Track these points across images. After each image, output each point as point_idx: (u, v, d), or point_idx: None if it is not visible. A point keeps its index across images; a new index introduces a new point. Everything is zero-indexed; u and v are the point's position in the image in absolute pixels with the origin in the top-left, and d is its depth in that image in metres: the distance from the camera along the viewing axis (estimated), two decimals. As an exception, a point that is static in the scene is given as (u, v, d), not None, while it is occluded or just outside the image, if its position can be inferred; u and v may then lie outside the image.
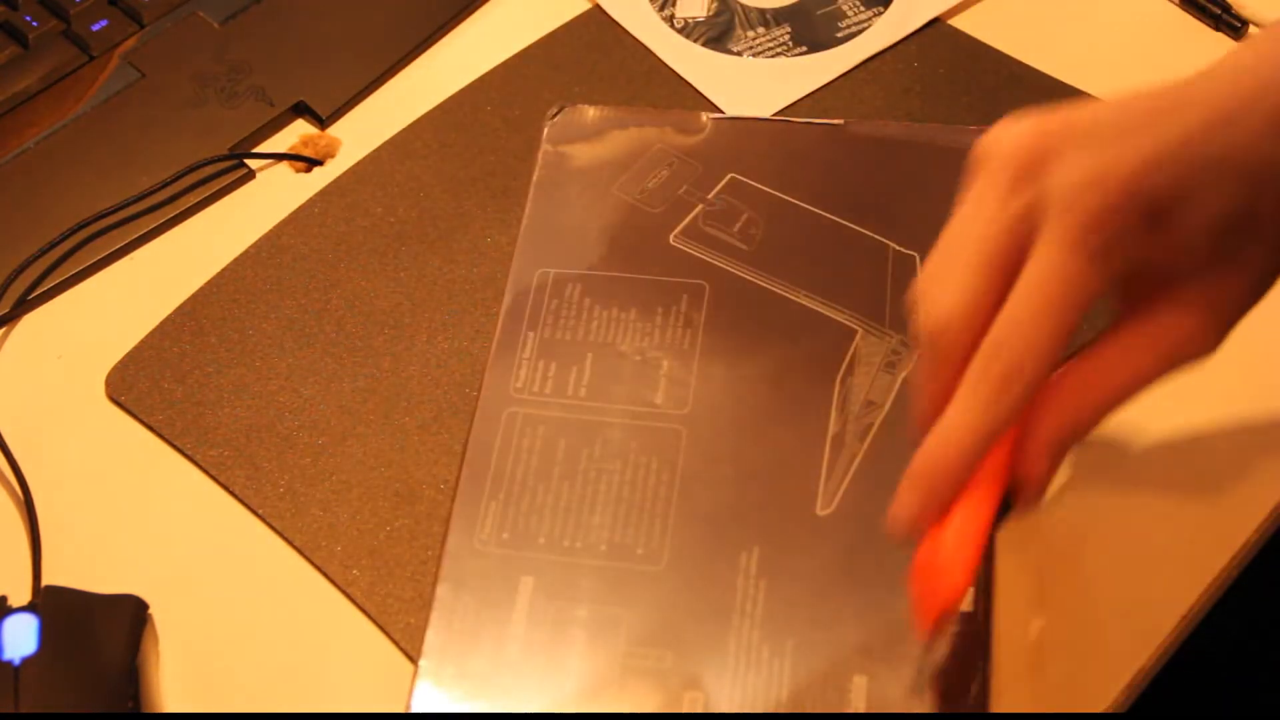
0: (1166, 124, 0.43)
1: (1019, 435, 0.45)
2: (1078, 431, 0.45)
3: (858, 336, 0.57)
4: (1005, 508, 0.45)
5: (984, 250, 0.44)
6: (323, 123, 0.68)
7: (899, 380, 0.55)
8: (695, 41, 0.69)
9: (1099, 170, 0.42)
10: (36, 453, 0.59)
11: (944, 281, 0.44)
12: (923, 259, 0.58)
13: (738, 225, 0.61)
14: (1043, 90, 0.66)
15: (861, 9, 0.70)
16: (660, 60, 0.69)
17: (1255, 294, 0.45)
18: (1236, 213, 0.43)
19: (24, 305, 0.63)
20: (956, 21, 0.69)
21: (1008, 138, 0.44)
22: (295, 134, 0.68)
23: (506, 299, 0.59)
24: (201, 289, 0.63)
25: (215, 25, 0.71)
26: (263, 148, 0.68)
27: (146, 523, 0.57)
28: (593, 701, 0.50)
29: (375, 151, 0.67)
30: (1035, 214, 0.43)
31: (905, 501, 0.45)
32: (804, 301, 0.58)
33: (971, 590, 0.50)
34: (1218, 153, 0.43)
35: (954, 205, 0.46)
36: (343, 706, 0.52)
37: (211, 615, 0.55)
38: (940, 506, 0.44)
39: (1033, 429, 0.44)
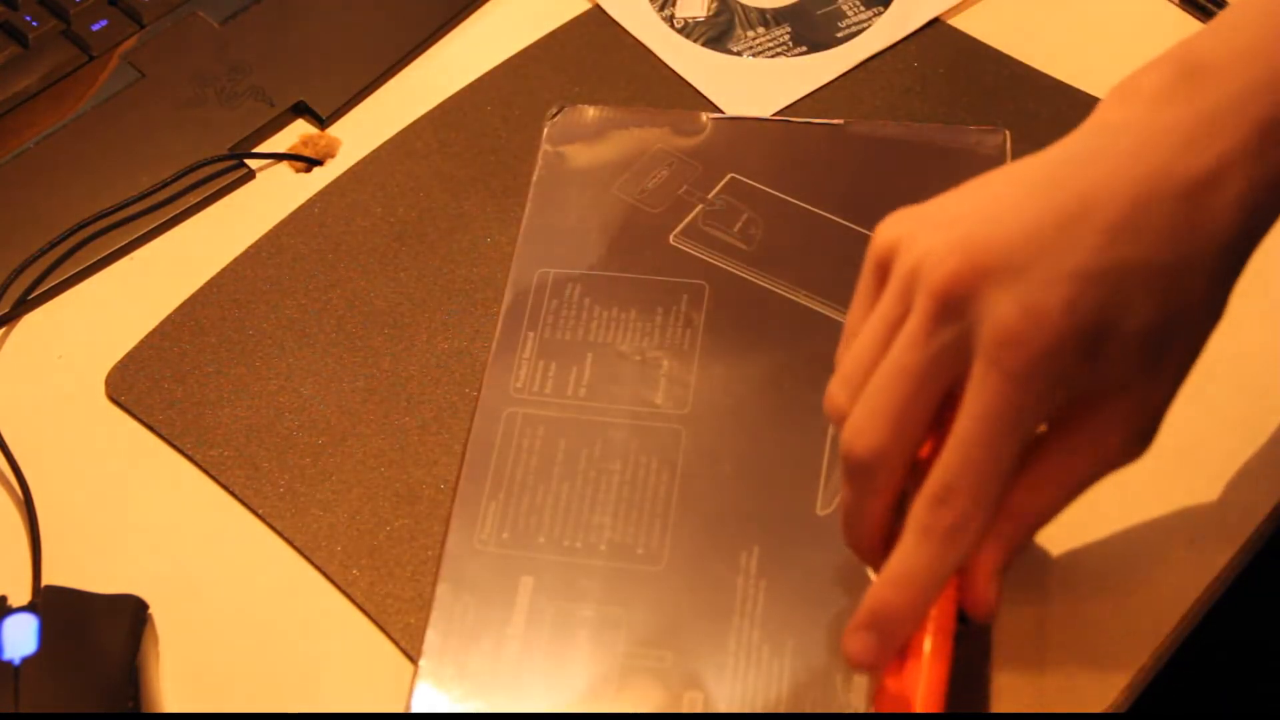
0: (1082, 232, 0.42)
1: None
2: (1018, 551, 0.45)
3: (858, 336, 0.57)
4: (960, 617, 0.46)
5: (911, 384, 0.43)
6: (323, 123, 0.68)
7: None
8: (695, 41, 0.69)
9: (1033, 306, 0.42)
10: (36, 453, 0.59)
11: (870, 412, 0.44)
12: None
13: (738, 225, 0.61)
14: (1043, 90, 0.66)
15: (861, 9, 0.69)
16: (660, 60, 0.69)
17: (1178, 386, 0.45)
18: (1163, 319, 0.43)
19: (24, 305, 0.63)
20: (956, 21, 0.69)
21: (926, 255, 0.43)
22: (295, 134, 0.68)
23: (506, 299, 0.59)
24: (201, 289, 0.63)
25: (215, 25, 0.71)
26: (263, 148, 0.68)
27: (146, 523, 0.57)
28: (593, 701, 0.50)
29: (375, 151, 0.67)
30: (964, 349, 0.43)
31: (862, 644, 0.45)
32: (804, 301, 0.58)
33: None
34: (1139, 255, 0.42)
35: (857, 297, 0.46)
36: (343, 706, 0.52)
37: (211, 615, 0.55)
38: (898, 646, 0.45)
39: (976, 559, 0.45)
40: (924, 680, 0.44)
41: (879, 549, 0.46)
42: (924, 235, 0.44)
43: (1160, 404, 0.45)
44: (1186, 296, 0.43)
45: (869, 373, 0.45)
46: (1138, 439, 0.45)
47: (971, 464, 0.43)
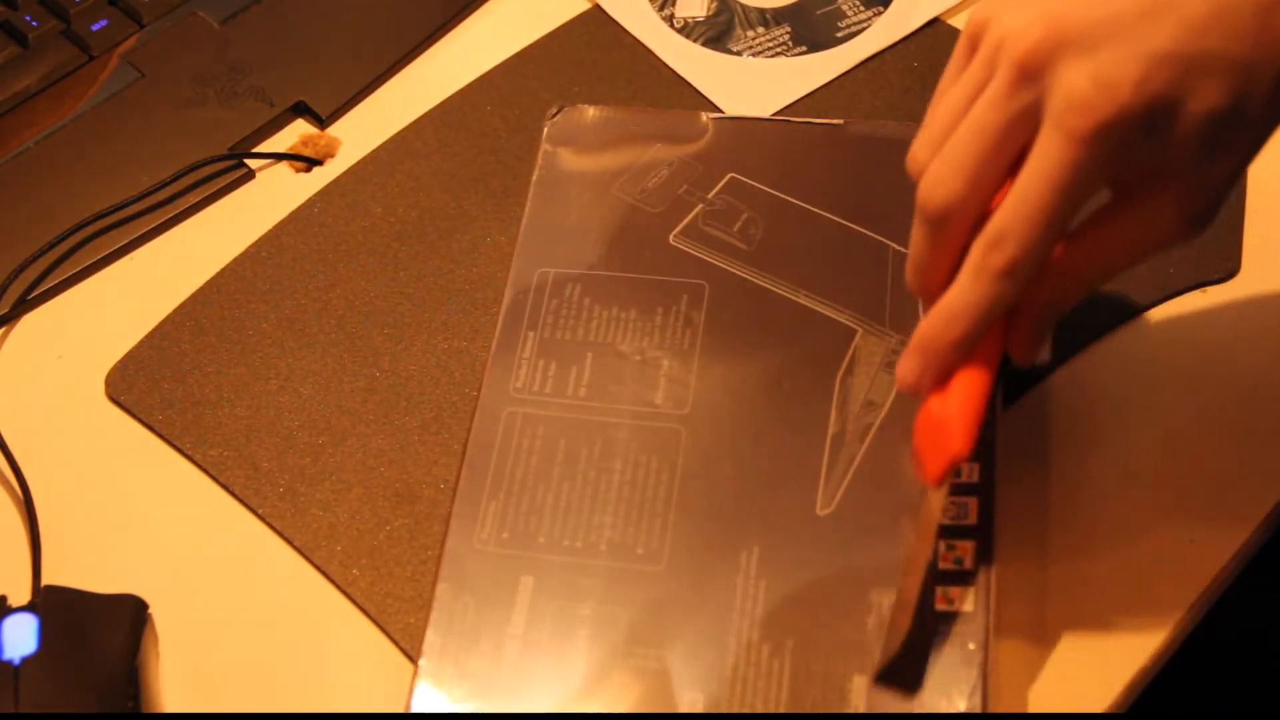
0: (1162, 21, 0.44)
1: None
2: (1065, 307, 0.49)
3: (858, 336, 0.57)
4: (1004, 362, 0.50)
5: (988, 142, 0.47)
6: (323, 123, 0.68)
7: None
8: (695, 41, 0.69)
9: (1104, 78, 0.44)
10: (36, 453, 0.59)
11: (948, 165, 0.47)
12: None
13: (737, 225, 0.61)
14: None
15: (861, 9, 0.70)
16: (660, 60, 0.69)
17: (1238, 176, 0.47)
18: (1228, 108, 0.45)
19: (24, 305, 0.63)
20: (956, 21, 0.69)
21: (1012, 27, 0.46)
22: (295, 134, 0.68)
23: (506, 299, 0.59)
24: (201, 289, 0.63)
25: (215, 25, 0.71)
26: (263, 148, 0.68)
27: (146, 523, 0.57)
28: (592, 701, 0.50)
29: (375, 151, 0.67)
30: (1038, 112, 0.46)
31: (910, 366, 0.49)
32: (804, 301, 0.58)
33: (972, 591, 0.51)
34: (1214, 47, 0.44)
35: (949, 68, 0.50)
36: (343, 706, 0.52)
37: (211, 615, 0.55)
38: (943, 374, 0.48)
39: (1024, 306, 0.48)
40: (961, 406, 0.47)
41: (939, 293, 0.49)
42: (1013, 12, 0.47)
43: (1217, 190, 0.47)
44: (1252, 92, 0.45)
45: (950, 132, 0.48)
46: (1192, 220, 0.47)
47: (1026, 214, 0.46)
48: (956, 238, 0.48)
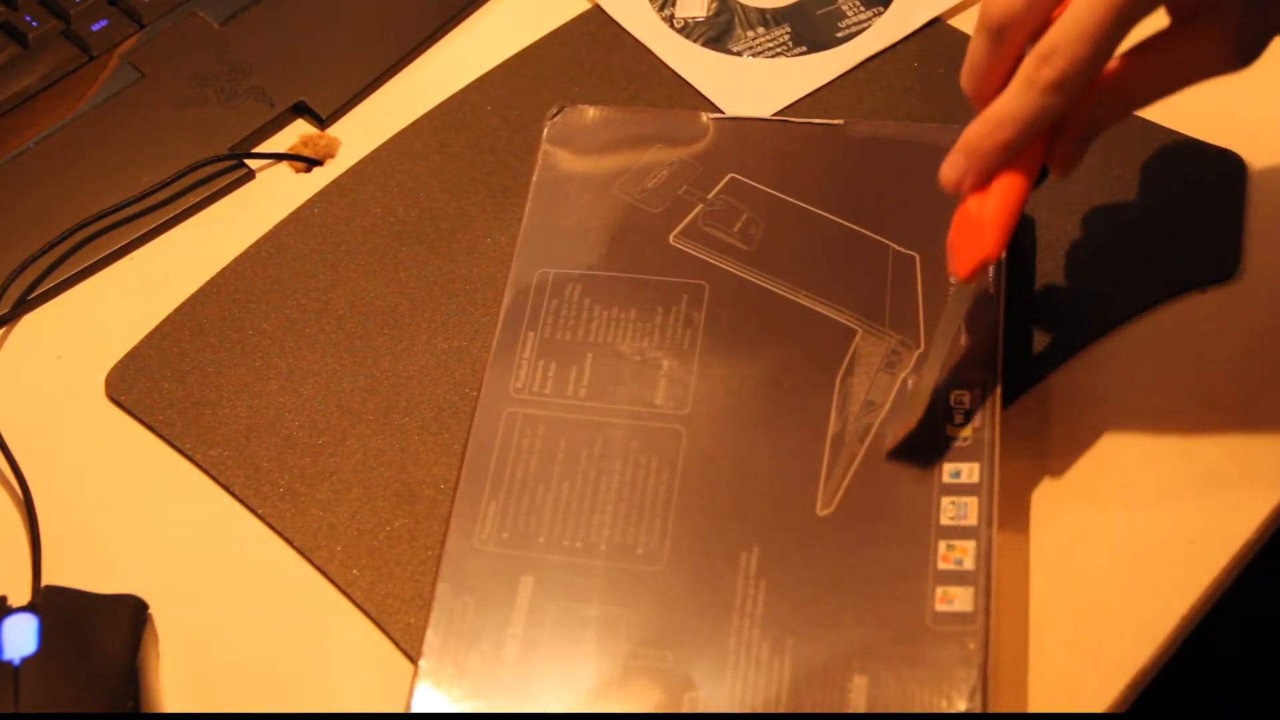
0: None
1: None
2: (1108, 124, 0.51)
3: (858, 336, 0.57)
4: (1042, 174, 0.52)
5: None
6: (323, 123, 0.68)
7: (899, 380, 0.55)
8: (695, 41, 0.69)
9: None
10: (36, 453, 0.59)
11: None
12: (922, 259, 0.58)
13: (738, 225, 0.61)
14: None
15: (861, 9, 0.70)
16: (660, 60, 0.69)
17: None
18: None
19: (24, 305, 0.63)
20: (956, 21, 0.69)
21: None
22: (295, 134, 0.68)
23: (506, 299, 0.59)
24: (201, 289, 0.63)
25: (215, 25, 0.71)
26: (263, 148, 0.68)
27: (146, 523, 0.57)
28: (593, 701, 0.50)
29: (375, 151, 0.67)
30: None
31: (954, 164, 0.51)
32: (804, 301, 0.58)
33: (972, 591, 0.51)
34: None
35: None
36: (343, 706, 0.52)
37: (211, 615, 0.55)
38: (983, 176, 0.51)
39: (1069, 120, 0.50)
40: (998, 208, 0.50)
41: (990, 100, 0.51)
42: None
43: (1269, 27, 0.49)
44: None
45: None
46: (1240, 52, 0.49)
47: (1079, 32, 0.47)
48: (1012, 48, 0.50)
